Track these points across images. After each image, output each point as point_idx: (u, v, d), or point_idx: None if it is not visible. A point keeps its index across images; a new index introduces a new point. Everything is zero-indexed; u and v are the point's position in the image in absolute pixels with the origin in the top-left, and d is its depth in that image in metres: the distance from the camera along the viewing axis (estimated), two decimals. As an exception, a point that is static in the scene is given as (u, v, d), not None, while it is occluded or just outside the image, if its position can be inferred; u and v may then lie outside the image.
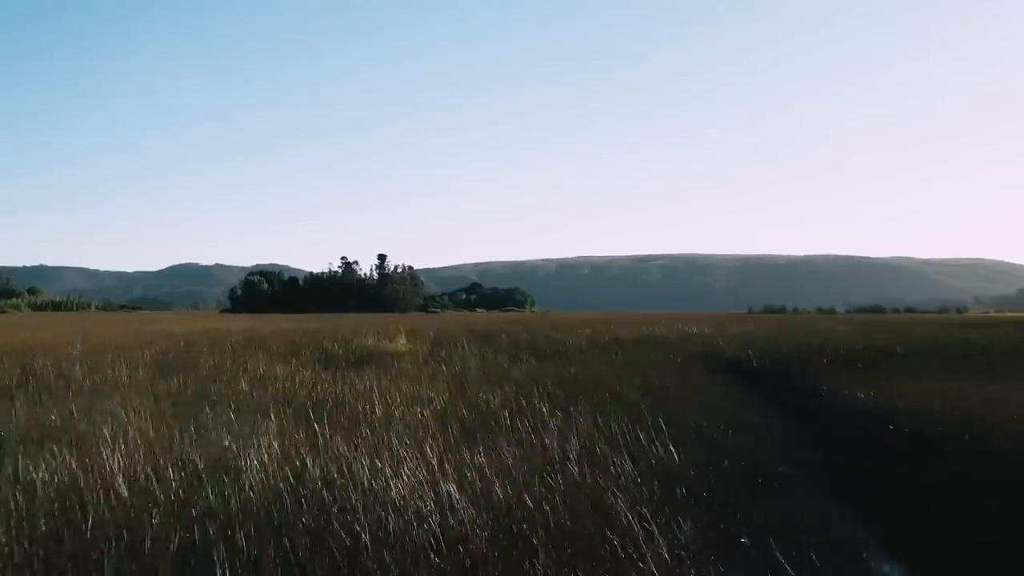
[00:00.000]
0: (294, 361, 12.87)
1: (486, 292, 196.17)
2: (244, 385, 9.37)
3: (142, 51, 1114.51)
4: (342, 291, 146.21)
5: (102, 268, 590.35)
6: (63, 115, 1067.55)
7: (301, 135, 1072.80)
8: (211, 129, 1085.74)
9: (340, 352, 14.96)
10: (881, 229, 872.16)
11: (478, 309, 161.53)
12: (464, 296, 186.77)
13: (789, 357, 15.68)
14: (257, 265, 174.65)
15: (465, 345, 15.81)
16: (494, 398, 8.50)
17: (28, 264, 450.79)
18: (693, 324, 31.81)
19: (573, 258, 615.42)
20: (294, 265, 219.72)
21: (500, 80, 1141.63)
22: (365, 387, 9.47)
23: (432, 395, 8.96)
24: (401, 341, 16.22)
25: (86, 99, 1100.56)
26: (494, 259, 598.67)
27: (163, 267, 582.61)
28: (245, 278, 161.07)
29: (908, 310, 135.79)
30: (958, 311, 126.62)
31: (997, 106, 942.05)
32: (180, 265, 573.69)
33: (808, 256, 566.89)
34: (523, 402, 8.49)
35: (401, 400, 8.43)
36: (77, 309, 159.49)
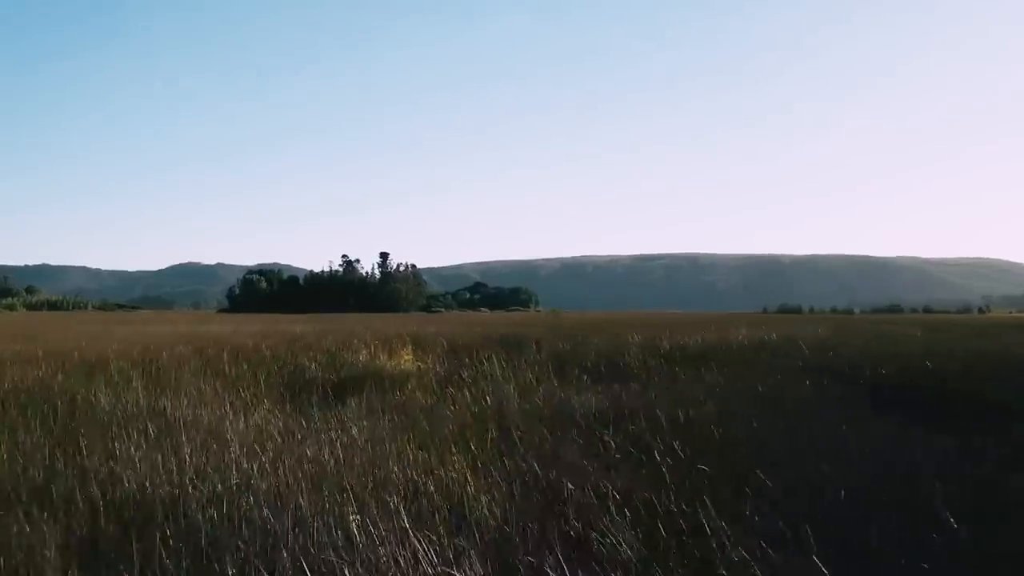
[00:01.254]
0: (245, 392, 8.60)
1: (490, 291, 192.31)
2: (125, 448, 5.10)
3: (145, 51, 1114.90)
4: (343, 290, 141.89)
5: (104, 267, 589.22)
6: (65, 115, 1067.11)
7: (304, 134, 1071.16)
8: (214, 128, 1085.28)
9: (319, 373, 10.69)
10: (883, 228, 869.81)
11: (482, 309, 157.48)
12: (468, 296, 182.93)
13: (914, 375, 11.30)
14: (260, 264, 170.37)
15: (491, 359, 11.56)
16: (588, 494, 4.21)
17: (31, 263, 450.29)
18: (739, 326, 27.57)
19: (576, 257, 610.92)
20: (297, 264, 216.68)
21: (502, 80, 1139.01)
22: (339, 453, 5.21)
23: (465, 473, 4.73)
24: (405, 356, 11.91)
25: (88, 99, 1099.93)
26: (496, 258, 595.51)
27: (165, 266, 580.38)
28: (243, 277, 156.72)
29: (926, 310, 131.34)
30: (981, 311, 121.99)
31: (997, 106, 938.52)
32: (182, 264, 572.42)
33: (811, 255, 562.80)
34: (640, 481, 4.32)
35: (402, 498, 4.13)
36: (73, 308, 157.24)
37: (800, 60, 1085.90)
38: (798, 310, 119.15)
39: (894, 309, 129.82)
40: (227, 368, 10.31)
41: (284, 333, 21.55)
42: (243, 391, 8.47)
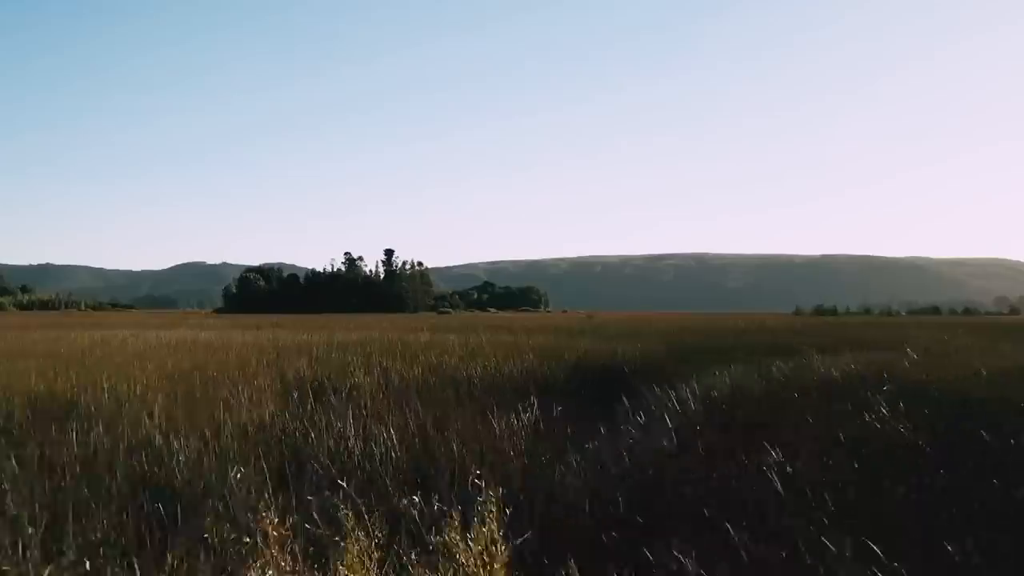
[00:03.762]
0: None
1: (499, 291, 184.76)
2: None
3: (148, 52, 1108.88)
4: (344, 289, 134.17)
5: (109, 267, 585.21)
6: (65, 113, 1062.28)
7: (310, 136, 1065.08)
8: (219, 128, 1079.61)
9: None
10: (893, 228, 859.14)
11: (490, 309, 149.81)
12: (476, 295, 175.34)
13: None
14: (266, 264, 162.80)
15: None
16: None
17: (34, 263, 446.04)
18: (865, 333, 20.08)
19: (585, 257, 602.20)
20: (302, 264, 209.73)
21: (508, 79, 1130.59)
22: None
23: None
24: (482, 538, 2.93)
25: (89, 99, 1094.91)
26: (505, 258, 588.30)
27: (170, 266, 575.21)
28: (240, 276, 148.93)
29: (966, 311, 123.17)
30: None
31: (1006, 107, 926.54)
32: (187, 264, 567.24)
33: (821, 256, 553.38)
34: None
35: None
36: (66, 308, 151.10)
37: (810, 59, 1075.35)
38: (834, 312, 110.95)
39: (934, 311, 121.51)
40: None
41: (184, 353, 13.74)
42: None
